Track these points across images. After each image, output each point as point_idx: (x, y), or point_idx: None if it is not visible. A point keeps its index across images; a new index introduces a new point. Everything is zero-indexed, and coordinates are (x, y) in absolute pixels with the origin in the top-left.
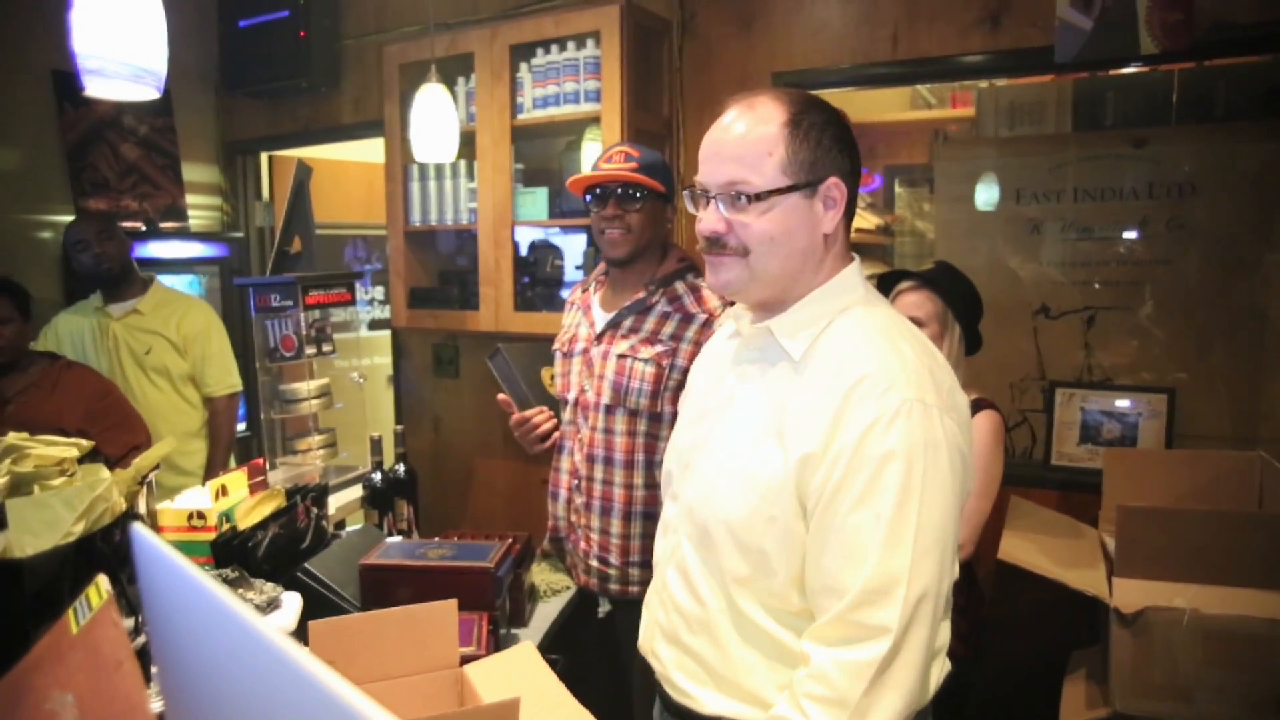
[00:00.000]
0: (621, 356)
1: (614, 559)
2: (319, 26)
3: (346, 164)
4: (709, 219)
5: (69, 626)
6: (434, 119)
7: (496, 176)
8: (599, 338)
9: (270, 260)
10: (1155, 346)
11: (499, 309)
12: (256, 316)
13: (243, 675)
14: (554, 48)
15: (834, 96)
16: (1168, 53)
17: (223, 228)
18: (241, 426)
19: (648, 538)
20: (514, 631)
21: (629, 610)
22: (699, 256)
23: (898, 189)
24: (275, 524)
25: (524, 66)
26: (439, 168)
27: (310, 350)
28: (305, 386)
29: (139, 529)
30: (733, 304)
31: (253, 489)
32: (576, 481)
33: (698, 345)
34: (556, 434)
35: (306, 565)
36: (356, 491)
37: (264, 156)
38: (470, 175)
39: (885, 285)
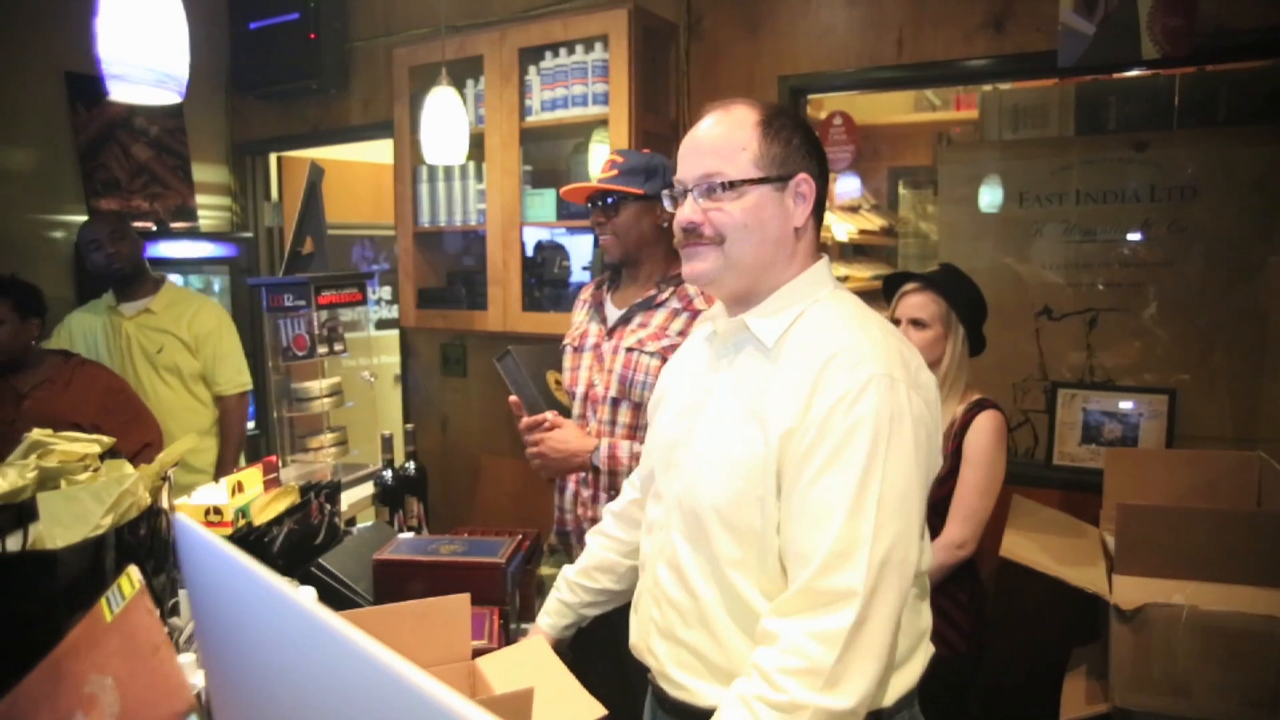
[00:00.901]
0: (629, 350)
1: None
2: (329, 29)
3: (354, 164)
4: (685, 210)
5: (102, 615)
6: (445, 121)
7: (505, 178)
8: (610, 333)
9: (282, 260)
10: (1156, 348)
11: (507, 309)
12: (269, 316)
13: (290, 650)
14: (562, 51)
15: (839, 100)
16: (1169, 58)
17: (232, 228)
18: (250, 425)
19: None
20: (523, 626)
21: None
22: None
23: (901, 190)
24: (290, 520)
25: (533, 69)
26: (448, 169)
27: (322, 349)
28: (317, 385)
29: (183, 518)
30: None
31: (266, 486)
32: (584, 476)
33: None
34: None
35: (320, 560)
36: (367, 489)
37: (273, 157)
38: (479, 177)
39: (890, 287)
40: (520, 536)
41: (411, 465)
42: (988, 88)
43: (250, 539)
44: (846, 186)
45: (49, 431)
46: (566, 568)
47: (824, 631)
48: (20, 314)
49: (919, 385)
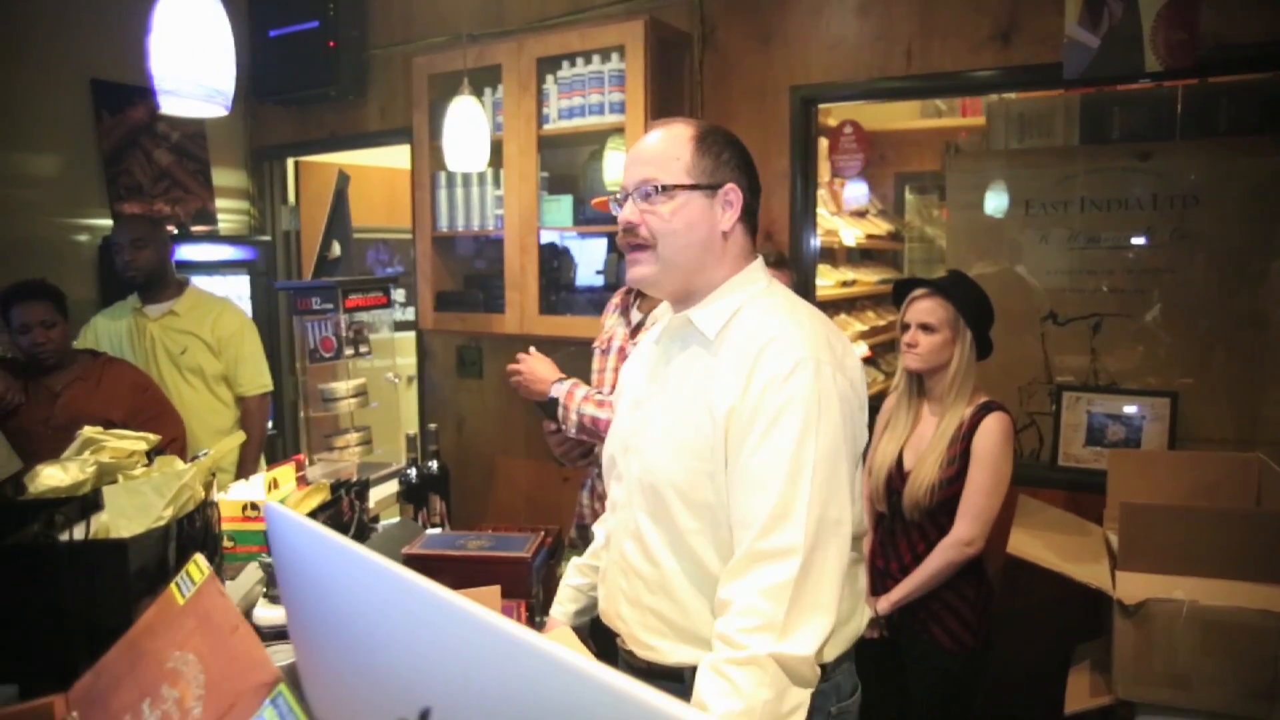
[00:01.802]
0: None
1: None
2: (347, 37)
3: (369, 169)
4: (625, 212)
5: (174, 598)
6: (467, 130)
7: (523, 184)
8: (634, 335)
9: (300, 263)
10: (1159, 352)
11: (524, 312)
12: (297, 319)
13: (396, 621)
14: (579, 61)
15: (848, 108)
16: (1172, 70)
17: (250, 231)
18: (269, 425)
19: None
20: (547, 619)
21: None
22: None
23: (908, 196)
24: (322, 516)
25: (550, 78)
26: (465, 175)
27: (349, 351)
28: (344, 386)
29: (274, 505)
30: None
31: (297, 484)
32: (599, 472)
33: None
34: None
35: None
36: (391, 487)
37: (290, 162)
38: (496, 183)
39: (900, 292)
40: (543, 533)
41: (434, 464)
42: (994, 97)
43: None
44: (854, 192)
45: (99, 429)
46: (575, 558)
47: (770, 586)
48: (63, 315)
49: (844, 368)
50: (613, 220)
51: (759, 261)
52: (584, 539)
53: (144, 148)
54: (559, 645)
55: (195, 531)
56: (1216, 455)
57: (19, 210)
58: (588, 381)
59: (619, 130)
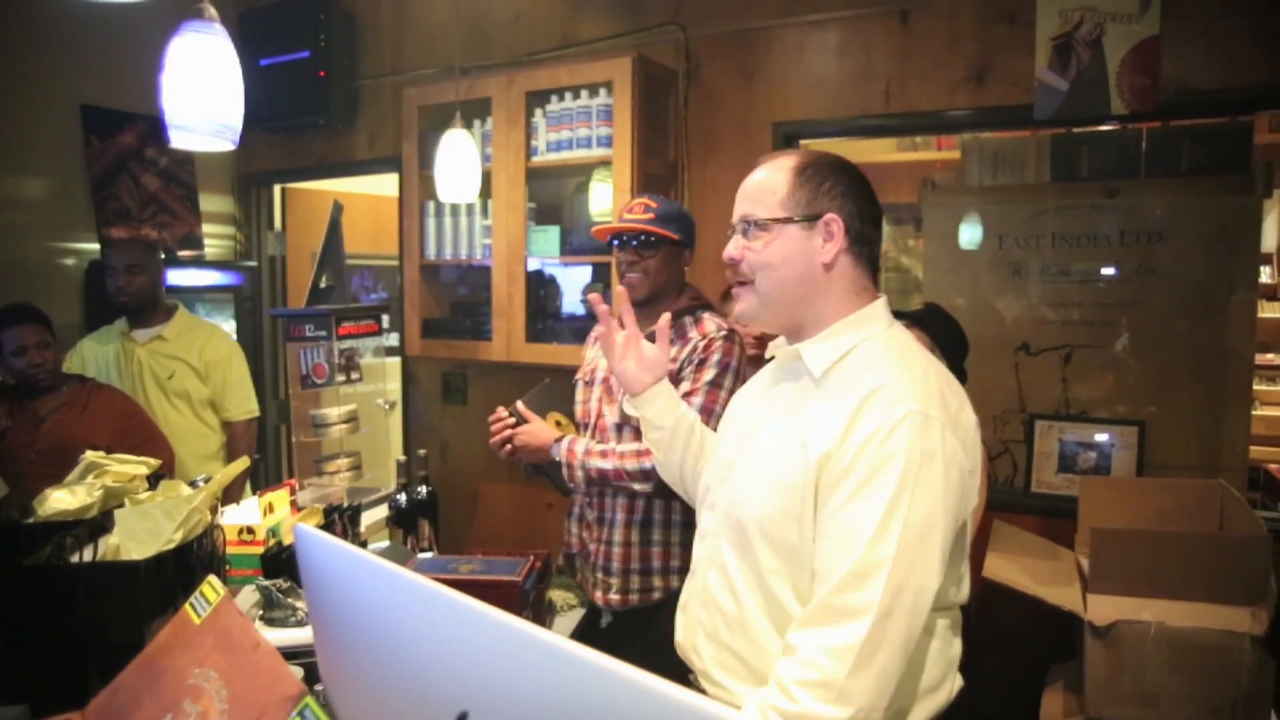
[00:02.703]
0: None
1: (617, 565)
2: (338, 67)
3: (356, 196)
4: (729, 246)
5: (190, 618)
6: (458, 162)
7: (511, 215)
8: None
9: (284, 288)
10: (1127, 381)
11: (511, 340)
12: (290, 345)
13: (433, 632)
14: (568, 95)
15: (828, 144)
16: (1136, 113)
17: (236, 256)
18: None
19: (647, 545)
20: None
21: (628, 621)
22: (715, 296)
23: (885, 226)
24: None
25: (539, 112)
26: (454, 205)
27: (340, 378)
28: (335, 411)
29: (303, 526)
30: (732, 330)
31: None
32: (589, 499)
33: (692, 364)
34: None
35: None
36: (378, 512)
37: (277, 188)
38: (485, 213)
39: None
40: (533, 557)
41: (424, 489)
42: (969, 135)
43: (281, 556)
44: None
45: (102, 454)
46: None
47: (837, 646)
48: (53, 338)
49: (957, 425)
50: (599, 250)
51: (881, 302)
52: (571, 566)
53: (132, 173)
54: (593, 651)
55: (203, 554)
56: (1182, 481)
57: (7, 234)
58: (571, 414)
59: (606, 163)
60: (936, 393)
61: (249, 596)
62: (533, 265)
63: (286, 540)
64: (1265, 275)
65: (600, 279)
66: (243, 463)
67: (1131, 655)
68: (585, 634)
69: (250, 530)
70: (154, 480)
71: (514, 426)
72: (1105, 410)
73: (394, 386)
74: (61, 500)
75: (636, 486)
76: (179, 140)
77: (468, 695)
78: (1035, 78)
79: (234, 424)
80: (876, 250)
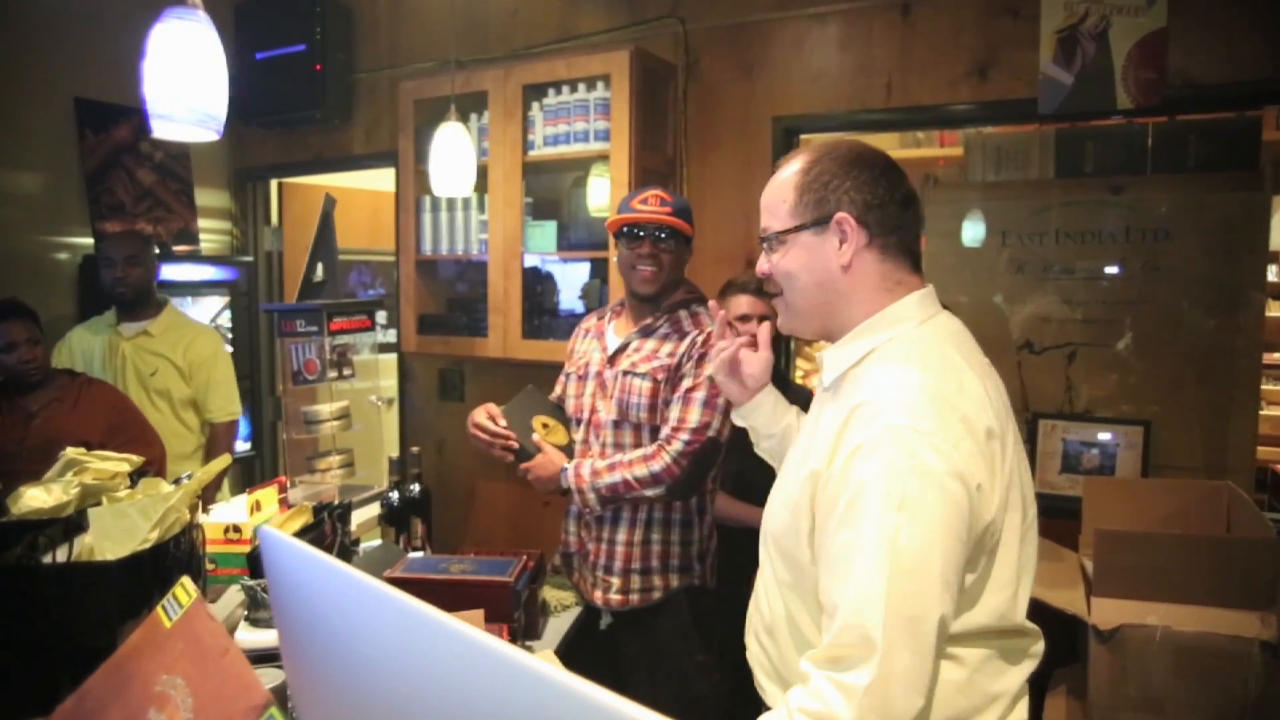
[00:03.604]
0: (625, 374)
1: (618, 565)
2: (334, 60)
3: (352, 191)
4: (760, 261)
5: (161, 621)
6: (453, 155)
7: (507, 210)
8: (611, 360)
9: (283, 285)
10: (1132, 381)
11: (507, 336)
12: (281, 340)
13: (389, 639)
14: (565, 89)
15: (829, 138)
16: (1142, 107)
17: (232, 251)
18: (246, 446)
19: (647, 544)
20: (529, 644)
21: (628, 622)
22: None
23: None
24: (305, 539)
25: (536, 105)
26: (450, 200)
27: (332, 374)
28: (326, 408)
29: (268, 529)
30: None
31: (279, 506)
32: None
33: (692, 360)
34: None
35: None
36: (371, 510)
37: (274, 183)
38: (481, 207)
39: None
40: (525, 557)
41: (416, 487)
42: (972, 130)
43: None
44: None
45: (83, 450)
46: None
47: (844, 684)
48: (43, 334)
49: (956, 437)
50: (597, 246)
51: (915, 296)
52: (568, 565)
53: (127, 167)
54: (552, 666)
55: (180, 554)
56: (1188, 483)
57: (0, 228)
58: (556, 415)
59: (604, 158)
60: (928, 402)
61: (234, 596)
62: (530, 261)
63: None
64: (1272, 273)
65: (598, 275)
66: (224, 460)
67: (1136, 660)
68: (584, 635)
69: (237, 529)
70: (136, 478)
71: (510, 444)
72: (1109, 410)
73: (391, 383)
74: (36, 498)
75: (649, 493)
76: (161, 129)
77: (426, 710)
78: (1039, 71)
79: (216, 425)
80: (910, 235)
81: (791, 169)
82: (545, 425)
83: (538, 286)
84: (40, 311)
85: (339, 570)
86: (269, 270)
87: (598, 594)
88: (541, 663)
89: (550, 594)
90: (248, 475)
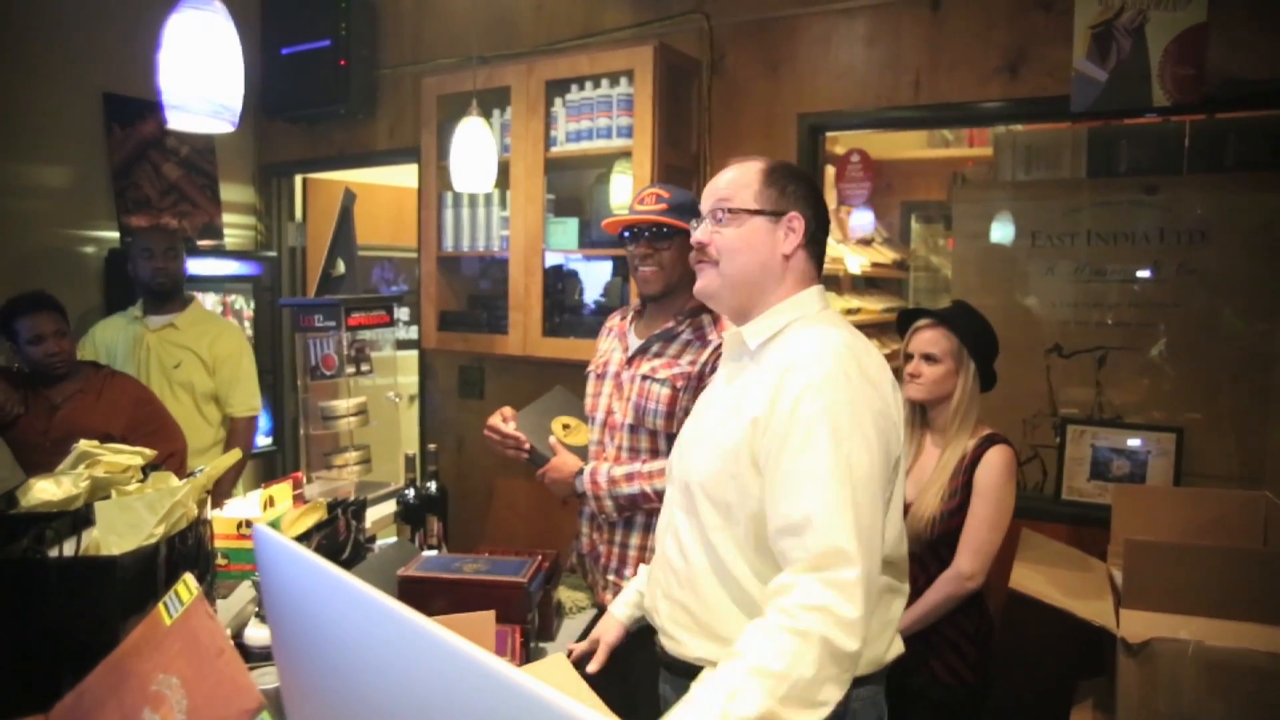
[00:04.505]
0: (644, 378)
1: (629, 569)
2: (358, 56)
3: (376, 188)
4: (698, 232)
5: (161, 619)
6: (474, 151)
7: (529, 206)
8: (629, 362)
9: (305, 280)
10: (1165, 386)
11: (527, 334)
12: (299, 335)
13: (373, 647)
14: (588, 84)
15: (855, 137)
16: (1179, 105)
17: (256, 246)
18: (268, 441)
19: None
20: (542, 645)
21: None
22: None
23: (914, 225)
24: (318, 535)
25: (559, 101)
26: (472, 196)
27: (350, 369)
28: (344, 404)
29: (261, 528)
30: None
31: (294, 501)
32: None
33: (710, 368)
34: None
35: None
36: (388, 507)
37: (298, 179)
38: (503, 204)
39: (903, 322)
40: (540, 557)
41: (433, 485)
42: (1002, 129)
43: None
44: (860, 220)
45: (95, 443)
46: (645, 567)
47: (836, 580)
48: (69, 326)
49: (874, 383)
50: (619, 243)
51: (817, 289)
52: (582, 567)
53: (153, 161)
54: (537, 681)
55: (187, 549)
56: (1223, 492)
57: (28, 221)
58: (579, 413)
59: (626, 154)
60: (853, 358)
61: (245, 592)
62: (553, 259)
63: (287, 535)
64: None
65: (620, 273)
66: (233, 455)
67: (1167, 676)
68: None
69: (249, 524)
70: (152, 470)
71: (521, 447)
72: (1141, 416)
73: (412, 380)
74: (46, 490)
75: None
76: (176, 120)
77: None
78: (1072, 68)
79: (237, 420)
80: (823, 252)
81: (755, 164)
82: (566, 426)
83: (559, 284)
84: (67, 305)
85: (329, 572)
86: (292, 266)
87: (608, 596)
88: (530, 679)
89: (565, 595)
90: (269, 470)
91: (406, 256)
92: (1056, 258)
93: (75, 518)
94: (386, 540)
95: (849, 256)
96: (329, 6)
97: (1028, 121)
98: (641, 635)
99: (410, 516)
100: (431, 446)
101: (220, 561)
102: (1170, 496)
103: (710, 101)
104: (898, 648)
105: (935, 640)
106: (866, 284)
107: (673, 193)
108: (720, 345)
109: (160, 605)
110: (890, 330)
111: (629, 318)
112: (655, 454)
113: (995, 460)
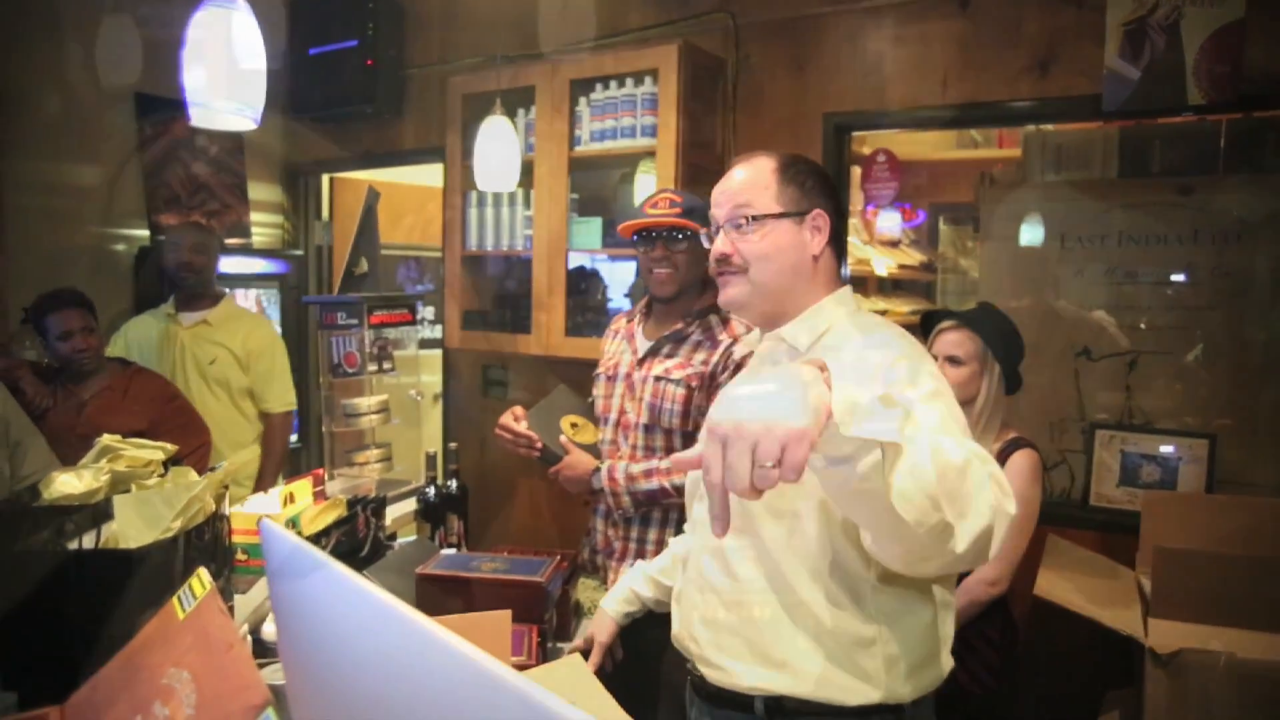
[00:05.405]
0: (658, 379)
1: None
2: (385, 56)
3: (402, 187)
4: (719, 244)
5: (175, 613)
6: (498, 150)
7: (553, 206)
8: (640, 363)
9: (332, 278)
10: (1198, 391)
11: (550, 333)
12: (322, 333)
13: (378, 648)
14: (613, 84)
15: (882, 137)
16: (1215, 104)
17: (283, 245)
18: (294, 438)
19: None
20: (559, 645)
21: (654, 621)
22: None
23: (942, 226)
24: (338, 532)
25: (583, 100)
26: (496, 195)
27: (372, 367)
28: (366, 402)
29: (268, 522)
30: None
31: (315, 498)
32: None
33: (728, 370)
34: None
35: (365, 573)
36: (409, 505)
37: (325, 178)
38: (527, 203)
39: (927, 324)
40: (559, 557)
41: (454, 483)
42: (1031, 128)
43: None
44: (887, 222)
45: (118, 437)
46: (643, 564)
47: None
48: (97, 323)
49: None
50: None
51: (847, 289)
52: (594, 564)
53: (183, 160)
54: (542, 689)
55: (205, 544)
56: (1257, 500)
57: (60, 219)
58: (586, 414)
59: (650, 154)
60: (910, 343)
61: (264, 588)
62: (576, 259)
63: (307, 532)
64: None
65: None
66: (252, 451)
67: (1197, 687)
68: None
69: None
70: (173, 466)
71: (534, 446)
72: (1172, 421)
73: (436, 379)
74: (67, 484)
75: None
76: (199, 118)
77: None
78: (1104, 66)
79: (272, 415)
80: (845, 241)
81: (766, 161)
82: (574, 425)
83: (582, 284)
84: (97, 302)
85: (336, 571)
86: (319, 264)
87: None
88: (534, 686)
89: (583, 594)
90: (294, 468)
91: (432, 256)
92: (1087, 260)
93: (96, 511)
94: (406, 539)
95: (875, 258)
96: (356, 7)
97: (1058, 121)
98: (656, 628)
99: (430, 514)
100: (453, 445)
101: (240, 557)
102: (1202, 504)
103: (735, 101)
104: (949, 666)
105: (958, 646)
106: (893, 286)
107: (684, 196)
108: (730, 345)
109: (174, 599)
110: (915, 332)
111: (635, 320)
112: (670, 452)
113: (1019, 465)
